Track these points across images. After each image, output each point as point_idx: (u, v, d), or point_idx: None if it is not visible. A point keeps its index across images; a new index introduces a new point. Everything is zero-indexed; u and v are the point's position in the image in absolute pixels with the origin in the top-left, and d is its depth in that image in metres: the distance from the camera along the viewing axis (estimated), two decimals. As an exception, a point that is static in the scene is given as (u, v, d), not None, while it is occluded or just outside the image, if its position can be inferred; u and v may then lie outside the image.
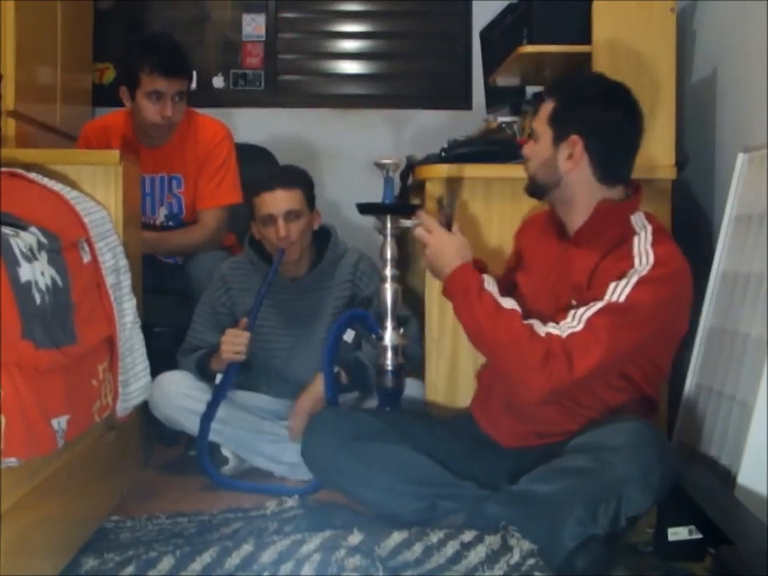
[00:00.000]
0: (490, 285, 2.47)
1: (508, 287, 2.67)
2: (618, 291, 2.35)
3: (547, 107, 2.55)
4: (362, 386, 3.08)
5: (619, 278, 2.37)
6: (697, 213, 3.46)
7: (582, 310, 2.35)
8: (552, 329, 2.35)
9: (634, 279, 2.35)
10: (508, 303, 2.43)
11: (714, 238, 3.01)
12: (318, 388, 3.05)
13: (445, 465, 2.52)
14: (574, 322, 2.34)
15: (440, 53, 5.01)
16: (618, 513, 2.20)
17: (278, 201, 3.11)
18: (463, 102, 4.90)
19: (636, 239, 2.44)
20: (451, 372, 3.10)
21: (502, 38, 3.80)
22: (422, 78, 5.01)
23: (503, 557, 2.15)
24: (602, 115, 2.50)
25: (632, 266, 2.38)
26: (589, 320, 2.32)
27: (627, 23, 3.26)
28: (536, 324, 2.38)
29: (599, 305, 2.34)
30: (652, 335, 2.40)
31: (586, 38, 3.29)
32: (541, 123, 2.55)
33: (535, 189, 2.59)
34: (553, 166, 2.51)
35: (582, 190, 2.50)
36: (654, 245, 2.42)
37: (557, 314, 2.45)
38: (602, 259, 2.45)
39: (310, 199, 3.21)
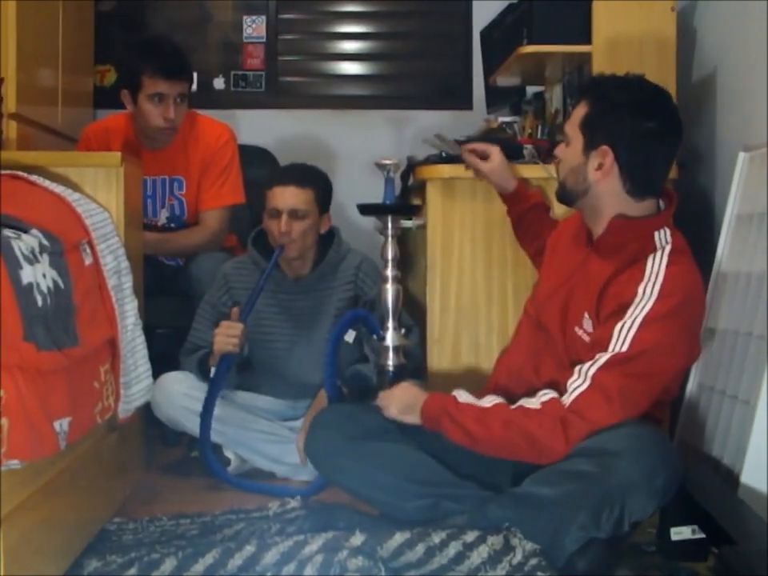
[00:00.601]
0: (462, 396, 2.43)
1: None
2: (623, 336, 2.29)
3: (580, 111, 2.46)
4: (365, 397, 3.07)
5: (624, 309, 2.31)
6: (698, 212, 3.45)
7: (587, 365, 2.30)
8: (547, 395, 2.32)
9: (639, 319, 2.28)
10: (488, 401, 2.40)
11: (716, 237, 3.01)
12: (324, 405, 2.98)
13: (447, 464, 2.51)
14: (579, 380, 2.30)
15: (440, 53, 5.01)
16: (621, 518, 2.18)
17: (287, 196, 3.13)
18: (464, 102, 4.89)
19: (651, 258, 2.37)
20: (452, 372, 3.10)
21: (502, 38, 3.80)
22: (422, 79, 5.01)
23: (506, 557, 2.15)
24: (637, 127, 2.38)
25: (634, 293, 2.32)
26: (594, 377, 2.28)
27: (627, 23, 3.26)
28: (524, 401, 2.35)
29: (604, 358, 2.29)
30: (672, 375, 2.39)
31: (587, 38, 3.29)
32: (572, 127, 2.46)
33: (564, 195, 2.52)
34: (582, 174, 2.44)
35: (610, 201, 2.43)
36: (668, 266, 2.35)
37: (564, 324, 2.45)
38: (615, 276, 2.39)
39: (323, 202, 3.22)
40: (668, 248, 2.39)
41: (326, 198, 3.24)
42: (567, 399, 2.30)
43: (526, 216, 2.96)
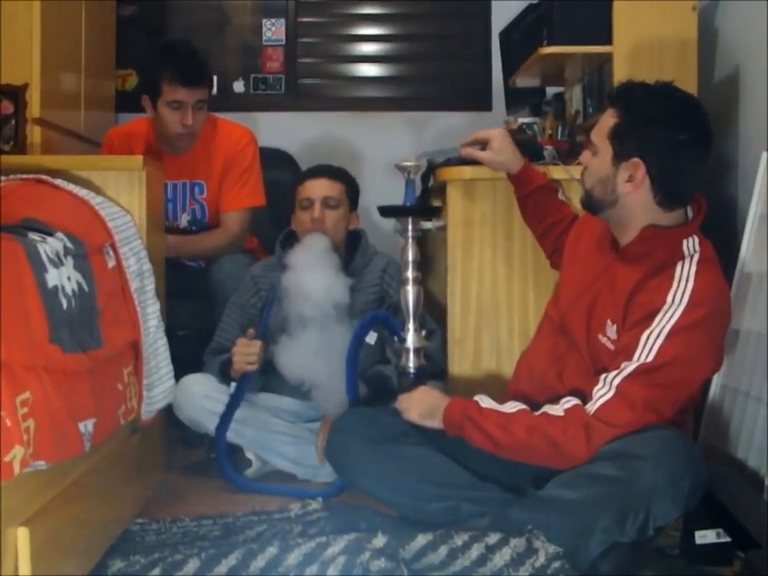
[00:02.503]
0: (485, 401, 2.42)
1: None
2: (649, 345, 2.27)
3: (608, 120, 2.40)
4: (385, 398, 3.07)
5: (652, 318, 2.29)
6: (721, 212, 3.44)
7: (612, 374, 2.29)
8: (570, 402, 2.32)
9: (666, 328, 2.27)
10: (511, 406, 2.39)
11: (739, 238, 3.00)
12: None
13: (467, 467, 2.51)
14: (604, 389, 2.28)
15: (459, 54, 5.02)
16: (645, 522, 2.17)
17: (319, 186, 3.22)
18: (483, 103, 4.89)
19: (680, 266, 2.34)
20: (473, 373, 3.10)
21: (521, 38, 3.80)
22: (441, 80, 5.01)
23: (528, 559, 2.14)
24: (669, 139, 2.32)
25: (663, 301, 2.30)
26: (619, 386, 2.27)
27: (648, 23, 3.25)
28: (548, 408, 2.34)
29: (630, 368, 2.27)
30: (697, 386, 2.38)
31: (607, 38, 3.28)
32: (601, 137, 2.41)
33: (591, 204, 2.47)
34: (611, 185, 2.39)
35: (639, 212, 2.39)
36: (696, 275, 2.32)
37: (588, 331, 2.44)
38: (642, 284, 2.36)
39: (352, 197, 3.30)
40: (696, 256, 2.36)
41: (354, 195, 3.32)
42: (591, 407, 2.29)
43: (532, 196, 2.92)
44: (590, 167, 2.45)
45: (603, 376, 2.31)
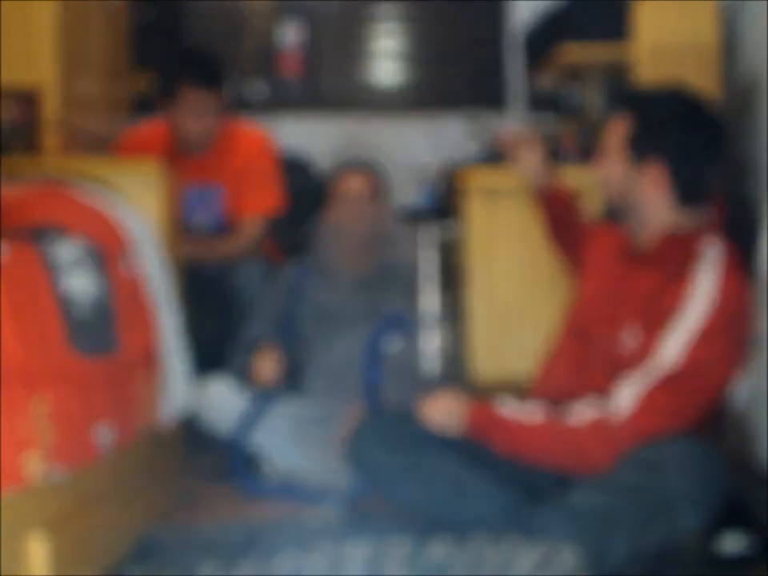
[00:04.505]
0: (507, 406, 2.39)
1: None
2: (673, 350, 2.26)
3: (623, 126, 2.40)
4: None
5: (676, 320, 2.28)
6: (743, 217, 3.41)
7: (636, 379, 2.27)
8: (595, 408, 2.30)
9: (691, 332, 2.26)
10: (534, 412, 2.36)
11: (758, 240, 2.97)
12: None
13: (490, 470, 2.49)
14: (628, 395, 2.27)
15: (476, 56, 4.99)
16: (669, 530, 2.16)
17: (359, 180, 3.26)
18: (498, 104, 4.88)
19: (701, 270, 2.32)
20: (494, 379, 3.08)
21: (541, 39, 3.79)
22: (459, 82, 5.00)
23: (552, 564, 2.12)
24: (685, 140, 2.35)
25: (688, 303, 2.28)
26: (643, 393, 2.25)
27: (669, 25, 3.24)
28: (571, 414, 2.32)
29: (655, 373, 2.26)
30: (720, 389, 2.36)
31: (627, 38, 3.27)
32: (617, 143, 2.41)
33: (613, 213, 2.47)
34: (631, 191, 2.39)
35: (660, 215, 2.39)
36: (718, 278, 2.31)
37: (608, 334, 2.42)
38: (664, 288, 2.35)
39: (384, 193, 3.33)
40: (717, 259, 2.35)
41: (386, 190, 3.35)
42: (616, 413, 2.27)
43: (557, 221, 2.88)
44: (608, 176, 2.44)
45: (627, 382, 2.29)
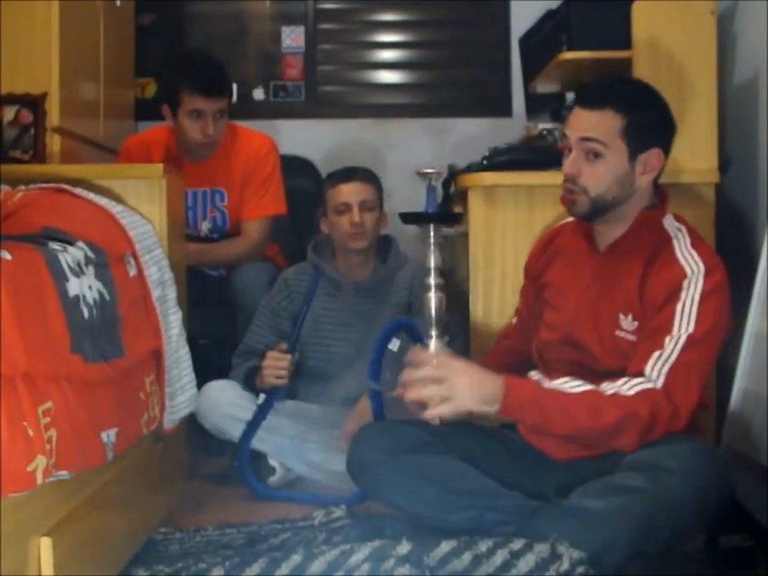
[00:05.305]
0: (545, 381, 2.32)
1: (531, 314, 2.68)
2: (687, 315, 2.30)
3: (611, 121, 2.39)
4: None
5: (676, 292, 2.32)
6: (740, 217, 3.42)
7: (666, 352, 2.28)
8: (634, 381, 2.27)
9: (697, 297, 2.31)
10: (573, 386, 2.31)
11: (759, 242, 2.98)
12: (364, 410, 2.99)
13: (491, 474, 2.49)
14: (661, 366, 2.28)
15: (479, 60, 5.01)
16: (671, 534, 2.16)
17: (355, 190, 3.23)
18: (503, 109, 4.89)
19: (675, 243, 2.41)
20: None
21: (541, 44, 3.79)
22: (461, 87, 5.01)
23: (552, 565, 2.12)
24: (670, 124, 2.46)
25: (683, 274, 2.34)
26: (675, 361, 2.27)
27: (667, 26, 3.23)
28: (613, 387, 2.28)
29: (680, 344, 2.28)
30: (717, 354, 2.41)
31: (626, 44, 3.27)
32: (611, 138, 2.39)
33: (599, 208, 2.44)
34: (629, 181, 2.42)
35: (642, 197, 2.45)
36: (694, 247, 2.39)
37: (600, 332, 2.44)
38: (648, 270, 2.40)
39: (380, 200, 3.32)
40: (684, 229, 2.44)
41: (382, 196, 3.33)
42: (654, 382, 2.27)
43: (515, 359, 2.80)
44: (598, 171, 2.42)
45: (656, 355, 2.29)
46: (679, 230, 2.44)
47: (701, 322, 2.29)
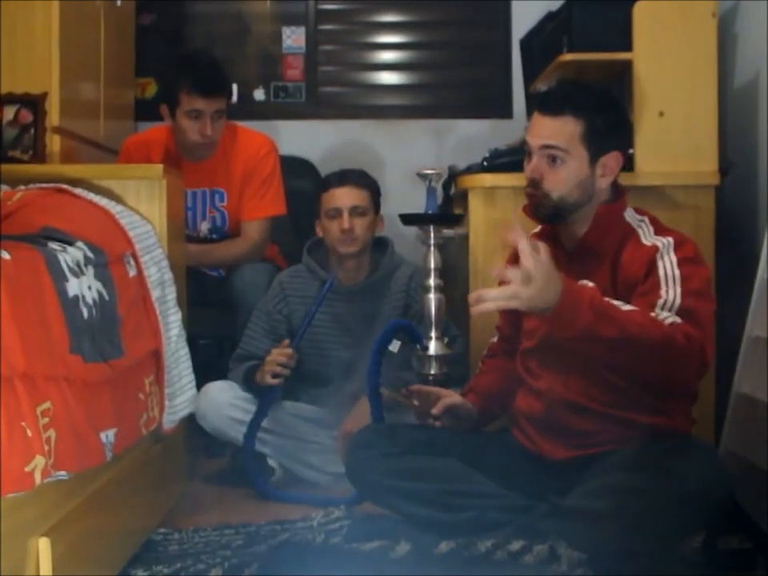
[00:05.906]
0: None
1: (510, 327, 2.67)
2: (671, 281, 2.30)
3: (570, 126, 2.40)
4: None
5: (653, 265, 2.33)
6: (740, 219, 3.42)
7: (668, 302, 2.28)
8: (665, 316, 2.27)
9: (675, 262, 2.32)
10: (619, 303, 2.28)
11: (758, 245, 2.98)
12: (363, 412, 2.98)
13: (489, 476, 2.49)
14: (668, 311, 2.27)
15: (480, 62, 5.00)
16: (669, 534, 2.16)
17: (346, 196, 3.22)
18: (504, 110, 4.88)
19: (640, 232, 2.42)
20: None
21: (542, 46, 3.79)
22: (462, 88, 5.00)
23: (551, 566, 2.13)
24: (627, 126, 2.55)
25: (654, 248, 2.35)
26: (679, 309, 2.26)
27: (668, 28, 3.24)
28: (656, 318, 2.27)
29: (677, 296, 2.28)
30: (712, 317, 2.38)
31: (627, 45, 3.27)
32: (571, 143, 2.40)
33: (562, 211, 2.44)
34: (589, 185, 2.43)
35: (601, 196, 2.47)
36: (660, 231, 2.41)
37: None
38: (617, 259, 2.40)
39: (376, 202, 3.31)
40: (646, 219, 2.47)
41: (377, 199, 3.32)
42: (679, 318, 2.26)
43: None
44: (559, 175, 2.43)
45: (659, 303, 2.28)
46: (642, 221, 2.46)
47: (687, 280, 2.29)
